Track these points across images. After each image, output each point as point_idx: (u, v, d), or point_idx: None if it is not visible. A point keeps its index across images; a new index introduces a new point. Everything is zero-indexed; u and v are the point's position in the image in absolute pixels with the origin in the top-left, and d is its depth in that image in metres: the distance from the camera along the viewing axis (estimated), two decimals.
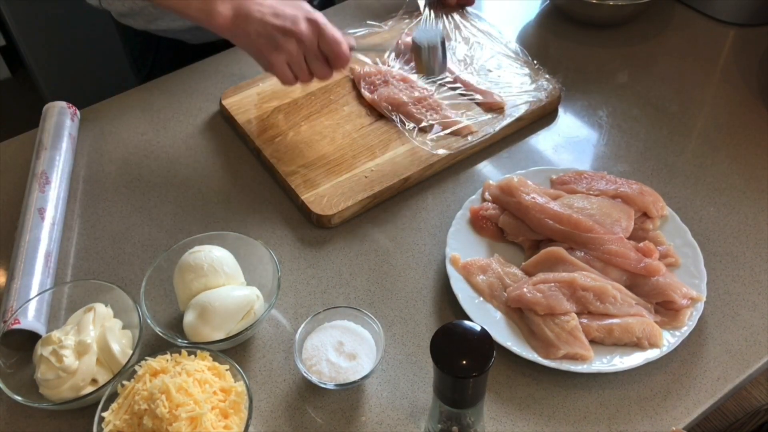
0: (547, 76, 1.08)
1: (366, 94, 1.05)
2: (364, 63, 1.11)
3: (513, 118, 1.02)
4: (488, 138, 1.00)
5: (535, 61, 1.10)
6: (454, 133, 1.00)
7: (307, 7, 0.89)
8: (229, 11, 0.87)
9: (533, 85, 1.07)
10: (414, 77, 1.08)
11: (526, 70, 1.09)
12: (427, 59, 0.96)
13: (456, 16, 1.19)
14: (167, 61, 1.25)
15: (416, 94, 1.04)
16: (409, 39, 1.13)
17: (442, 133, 0.99)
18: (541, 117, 1.06)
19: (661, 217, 0.88)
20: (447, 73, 1.06)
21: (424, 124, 1.00)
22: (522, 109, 1.03)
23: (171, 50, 1.24)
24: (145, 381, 0.69)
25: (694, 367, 0.78)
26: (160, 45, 1.23)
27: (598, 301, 0.78)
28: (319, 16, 0.88)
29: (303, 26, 0.87)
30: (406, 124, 1.01)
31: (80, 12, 1.90)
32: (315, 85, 1.08)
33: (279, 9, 0.87)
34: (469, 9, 1.21)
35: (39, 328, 0.78)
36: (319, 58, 0.90)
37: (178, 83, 1.13)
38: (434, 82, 1.06)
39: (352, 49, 0.93)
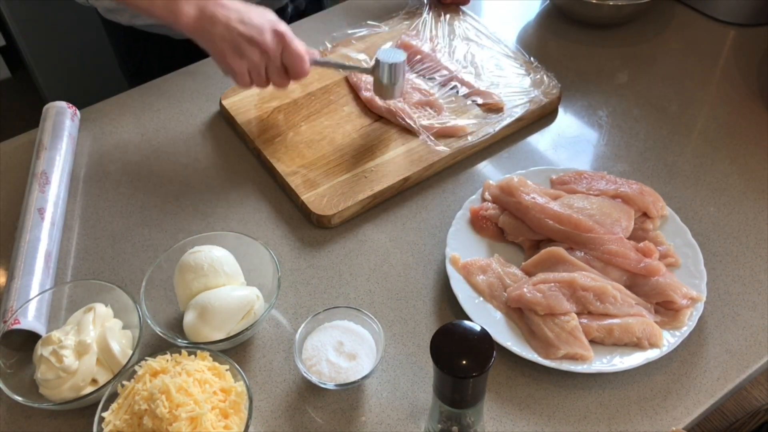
0: (546, 76, 1.08)
1: (365, 94, 1.05)
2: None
3: (513, 118, 1.02)
4: (488, 138, 1.00)
5: (534, 61, 1.11)
6: (454, 133, 1.00)
7: (273, 17, 0.89)
8: (194, 11, 0.87)
9: (533, 85, 1.07)
10: (413, 76, 1.08)
11: (526, 70, 1.09)
12: (387, 79, 0.95)
13: (456, 17, 1.19)
14: (155, 57, 1.24)
15: (416, 94, 1.04)
16: (408, 39, 1.13)
17: (441, 133, 0.99)
18: (540, 117, 1.06)
19: (661, 217, 0.88)
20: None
21: (424, 123, 1.00)
22: (522, 109, 1.03)
23: (158, 46, 1.22)
24: (145, 381, 0.69)
25: (694, 367, 0.78)
26: (147, 41, 1.23)
27: (598, 301, 0.78)
28: (284, 28, 0.88)
29: (269, 38, 0.87)
30: (407, 124, 1.01)
31: (80, 12, 1.89)
32: (315, 85, 1.08)
33: (245, 16, 0.87)
34: (468, 10, 1.21)
35: (39, 328, 0.78)
36: (280, 70, 0.90)
37: (178, 84, 1.13)
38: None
39: (314, 63, 0.93)
